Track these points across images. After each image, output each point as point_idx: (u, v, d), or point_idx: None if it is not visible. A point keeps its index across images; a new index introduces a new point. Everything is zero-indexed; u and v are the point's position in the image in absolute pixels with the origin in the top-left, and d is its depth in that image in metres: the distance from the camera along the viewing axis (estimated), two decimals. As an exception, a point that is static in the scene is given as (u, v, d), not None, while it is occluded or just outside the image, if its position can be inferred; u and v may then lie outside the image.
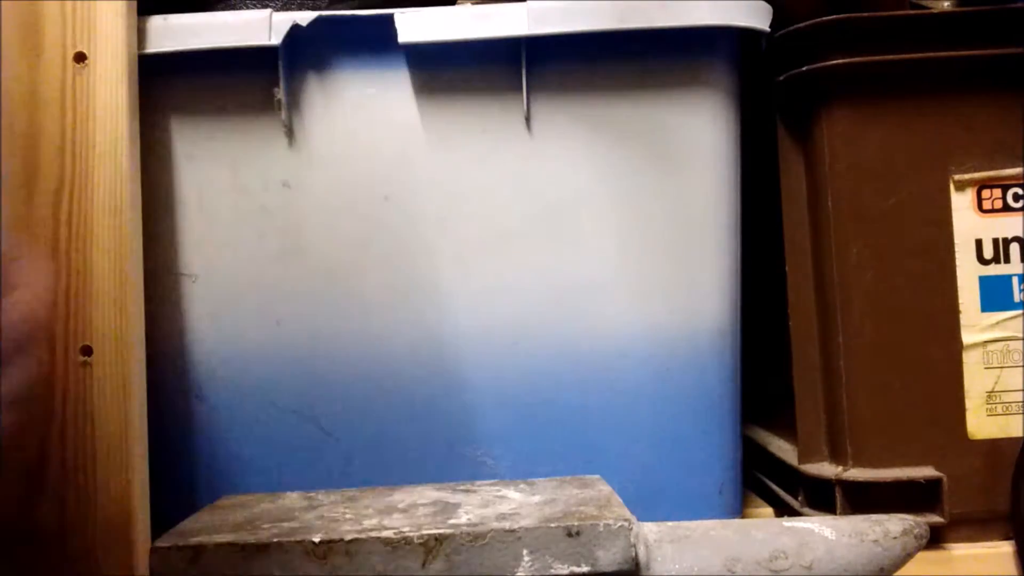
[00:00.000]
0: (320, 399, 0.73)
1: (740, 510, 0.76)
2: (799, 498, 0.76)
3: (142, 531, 0.63)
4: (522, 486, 0.65)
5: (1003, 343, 0.73)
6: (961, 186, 0.73)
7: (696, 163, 0.73)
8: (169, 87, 0.72)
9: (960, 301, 0.73)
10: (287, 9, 0.73)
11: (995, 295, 0.73)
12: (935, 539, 0.70)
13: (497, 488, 0.65)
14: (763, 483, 0.86)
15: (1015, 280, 0.73)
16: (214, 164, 0.73)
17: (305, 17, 0.70)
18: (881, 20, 0.73)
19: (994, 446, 0.72)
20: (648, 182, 0.72)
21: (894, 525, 0.55)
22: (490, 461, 0.74)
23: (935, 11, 0.77)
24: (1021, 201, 0.73)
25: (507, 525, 0.53)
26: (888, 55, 0.72)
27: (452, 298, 0.73)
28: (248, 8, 0.74)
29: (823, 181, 0.74)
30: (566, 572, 0.52)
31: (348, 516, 0.58)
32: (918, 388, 0.73)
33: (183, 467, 0.73)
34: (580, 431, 0.73)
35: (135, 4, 0.67)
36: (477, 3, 0.73)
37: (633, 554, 0.53)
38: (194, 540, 0.53)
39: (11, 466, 0.61)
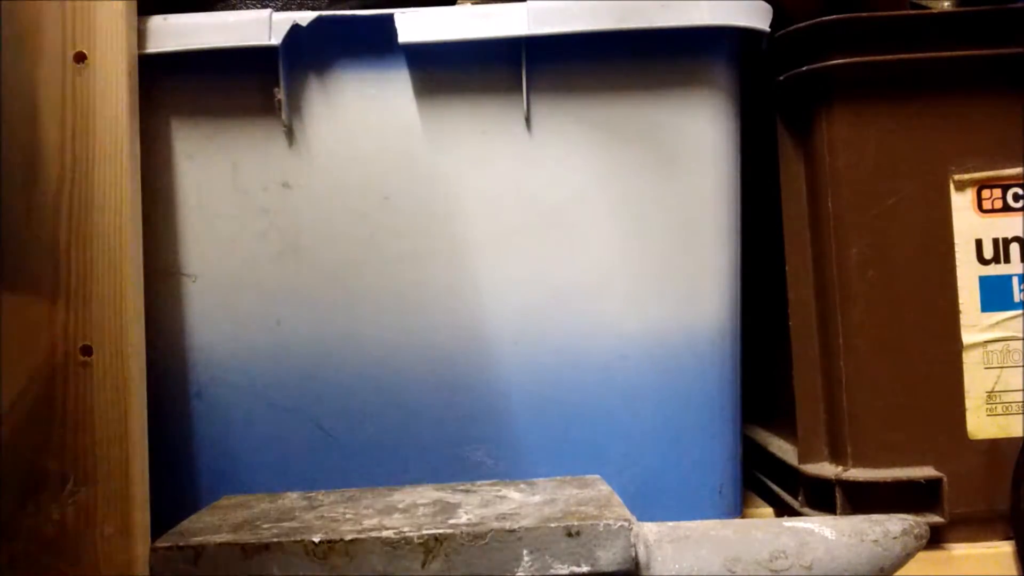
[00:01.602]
0: (320, 399, 0.73)
1: (740, 510, 0.76)
2: (799, 498, 0.76)
3: (142, 531, 0.63)
4: (522, 486, 0.65)
5: (1003, 343, 0.73)
6: (961, 186, 0.73)
7: (695, 163, 0.73)
8: (170, 87, 0.72)
9: (960, 301, 0.73)
10: (287, 9, 0.73)
11: (995, 295, 0.73)
12: (935, 539, 0.70)
13: (497, 488, 0.65)
14: (763, 483, 0.86)
15: (1015, 280, 0.73)
16: (214, 164, 0.73)
17: (305, 17, 0.70)
18: (881, 20, 0.73)
19: (994, 446, 0.72)
20: (647, 182, 0.72)
21: (894, 525, 0.55)
22: (490, 461, 0.73)
23: (935, 11, 0.77)
24: (1021, 201, 0.73)
25: (507, 525, 0.53)
26: (888, 55, 0.72)
27: (452, 298, 0.72)
28: (248, 8, 0.74)
29: (823, 181, 0.74)
30: (566, 572, 0.52)
31: (348, 516, 0.58)
32: (918, 388, 0.73)
33: (183, 467, 0.73)
34: (580, 431, 0.73)
35: (135, 4, 0.67)
36: (477, 3, 0.73)
37: (633, 554, 0.53)
38: (194, 540, 0.53)
39: (11, 467, 0.61)
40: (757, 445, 0.87)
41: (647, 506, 0.72)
